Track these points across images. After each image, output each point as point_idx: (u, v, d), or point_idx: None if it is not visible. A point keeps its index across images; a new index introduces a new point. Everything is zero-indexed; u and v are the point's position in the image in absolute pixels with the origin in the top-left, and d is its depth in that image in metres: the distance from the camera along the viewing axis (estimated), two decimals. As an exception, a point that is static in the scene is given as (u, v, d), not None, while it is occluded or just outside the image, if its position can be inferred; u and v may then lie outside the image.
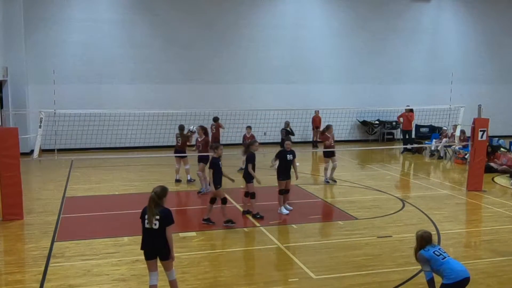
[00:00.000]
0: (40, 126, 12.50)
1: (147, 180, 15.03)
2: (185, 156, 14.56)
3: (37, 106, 16.99)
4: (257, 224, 10.69)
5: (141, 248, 6.58)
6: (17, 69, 19.45)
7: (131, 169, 17.29)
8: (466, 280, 5.91)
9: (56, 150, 14.65)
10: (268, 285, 7.65)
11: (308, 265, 8.40)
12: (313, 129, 22.97)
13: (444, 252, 6.11)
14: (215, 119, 18.27)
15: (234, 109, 20.08)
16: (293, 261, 8.63)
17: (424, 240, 6.17)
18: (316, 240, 9.76)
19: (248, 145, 11.26)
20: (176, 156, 14.72)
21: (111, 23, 21.49)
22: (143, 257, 8.66)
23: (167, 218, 6.36)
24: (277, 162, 11.47)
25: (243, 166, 16.66)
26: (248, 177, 11.14)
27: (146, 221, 6.41)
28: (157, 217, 6.30)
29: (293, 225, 10.63)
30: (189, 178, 14.79)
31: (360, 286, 7.60)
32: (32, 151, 15.47)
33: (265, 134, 20.95)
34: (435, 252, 6.06)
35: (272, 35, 23.26)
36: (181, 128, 14.94)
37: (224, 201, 10.49)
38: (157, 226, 6.31)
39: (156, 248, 6.43)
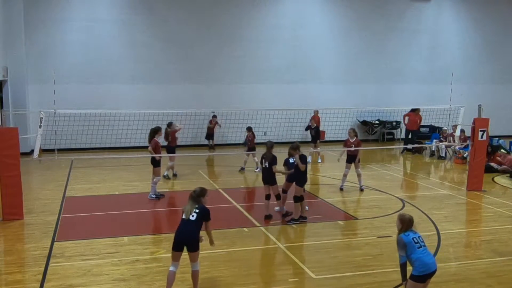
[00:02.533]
0: (40, 126, 12.49)
1: (147, 180, 14.99)
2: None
3: (37, 106, 16.98)
4: (257, 224, 10.70)
5: (174, 239, 6.99)
6: (17, 69, 19.43)
7: (131, 169, 17.29)
8: (433, 272, 6.18)
9: (56, 150, 14.64)
10: (268, 285, 7.66)
11: (308, 265, 8.41)
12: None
13: (422, 241, 6.25)
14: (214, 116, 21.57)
15: (234, 109, 20.11)
16: (293, 261, 8.64)
17: (407, 223, 6.30)
18: (316, 240, 9.75)
19: (271, 147, 10.92)
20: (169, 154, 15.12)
21: (111, 23, 21.48)
22: (143, 257, 8.75)
23: (205, 215, 7.05)
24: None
25: (244, 166, 16.80)
26: (272, 180, 10.88)
27: (184, 213, 6.99)
28: (196, 210, 6.97)
29: (293, 225, 10.63)
30: (174, 173, 15.80)
31: (360, 286, 7.61)
32: (32, 151, 15.47)
33: (265, 134, 20.94)
34: (414, 239, 6.20)
35: (272, 35, 23.25)
36: (170, 125, 15.23)
37: (279, 197, 11.08)
38: (194, 218, 6.93)
39: (188, 237, 6.89)
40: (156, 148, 12.81)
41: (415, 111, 21.16)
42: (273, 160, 10.80)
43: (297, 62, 23.59)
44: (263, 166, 10.99)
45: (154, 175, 12.90)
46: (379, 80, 24.78)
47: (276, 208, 11.34)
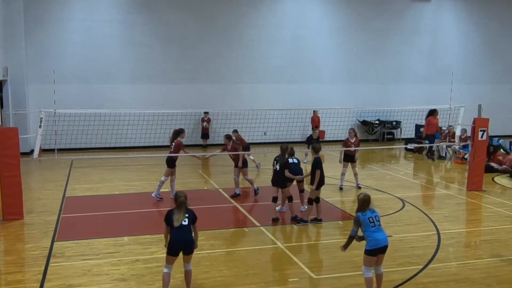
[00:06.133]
0: (40, 126, 12.50)
1: (147, 180, 15.04)
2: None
3: (37, 106, 16.96)
4: (257, 224, 10.70)
5: (170, 245, 7.01)
6: (17, 69, 19.44)
7: (131, 169, 17.28)
8: (384, 247, 6.91)
9: (56, 150, 14.63)
10: (268, 285, 7.65)
11: (308, 265, 8.41)
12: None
13: (378, 221, 6.95)
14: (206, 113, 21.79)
15: (234, 109, 20.10)
16: (293, 261, 8.63)
17: (365, 203, 7.02)
18: (316, 240, 9.75)
19: (286, 150, 10.86)
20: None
21: (111, 23, 21.47)
22: (143, 257, 8.74)
23: (195, 218, 7.20)
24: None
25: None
26: (283, 183, 10.82)
27: (174, 222, 6.97)
28: (187, 215, 7.06)
29: (293, 225, 10.63)
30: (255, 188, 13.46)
31: (360, 286, 7.58)
32: (32, 151, 15.47)
33: (265, 134, 20.96)
34: (370, 218, 6.90)
35: (272, 35, 23.24)
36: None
37: (318, 200, 10.79)
38: (186, 223, 7.03)
39: (186, 243, 7.02)
40: (180, 149, 12.48)
41: (433, 113, 18.44)
42: (286, 164, 10.73)
43: (297, 62, 23.58)
44: (274, 168, 10.94)
45: (165, 176, 12.59)
46: (379, 80, 24.78)
47: (277, 208, 11.34)
